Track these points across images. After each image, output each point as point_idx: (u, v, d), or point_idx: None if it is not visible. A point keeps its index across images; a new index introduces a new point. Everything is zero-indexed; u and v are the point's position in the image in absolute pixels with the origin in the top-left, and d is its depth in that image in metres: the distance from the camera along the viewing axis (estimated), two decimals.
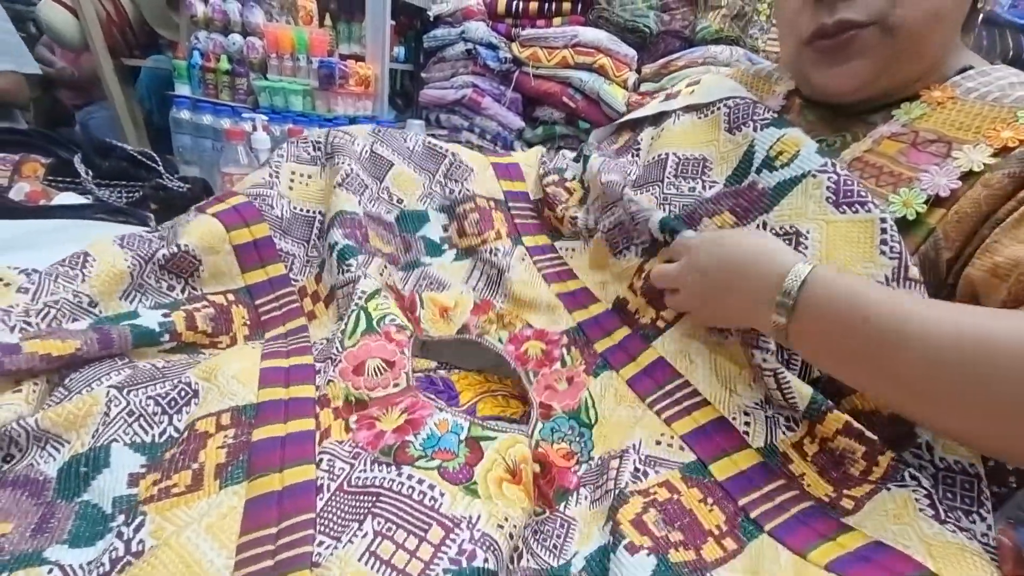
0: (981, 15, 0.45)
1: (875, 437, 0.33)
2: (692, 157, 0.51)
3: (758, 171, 0.45)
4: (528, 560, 0.33)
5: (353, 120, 1.02)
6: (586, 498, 0.37)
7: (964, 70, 0.42)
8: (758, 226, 0.42)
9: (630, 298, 0.48)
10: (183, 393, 0.38)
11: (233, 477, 0.33)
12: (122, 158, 0.80)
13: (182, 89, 0.99)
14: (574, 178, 0.60)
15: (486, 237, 0.55)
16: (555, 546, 0.34)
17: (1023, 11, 1.17)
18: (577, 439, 0.41)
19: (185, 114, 0.97)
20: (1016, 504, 0.34)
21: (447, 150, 0.60)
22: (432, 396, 0.43)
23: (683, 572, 0.30)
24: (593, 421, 0.42)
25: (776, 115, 0.47)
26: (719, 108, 0.51)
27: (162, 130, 1.82)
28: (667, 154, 0.52)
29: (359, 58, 1.17)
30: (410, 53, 1.43)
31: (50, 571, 0.29)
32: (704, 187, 0.49)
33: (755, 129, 0.47)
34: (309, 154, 0.57)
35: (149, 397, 0.37)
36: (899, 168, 0.39)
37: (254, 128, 0.85)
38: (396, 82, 1.46)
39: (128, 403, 0.37)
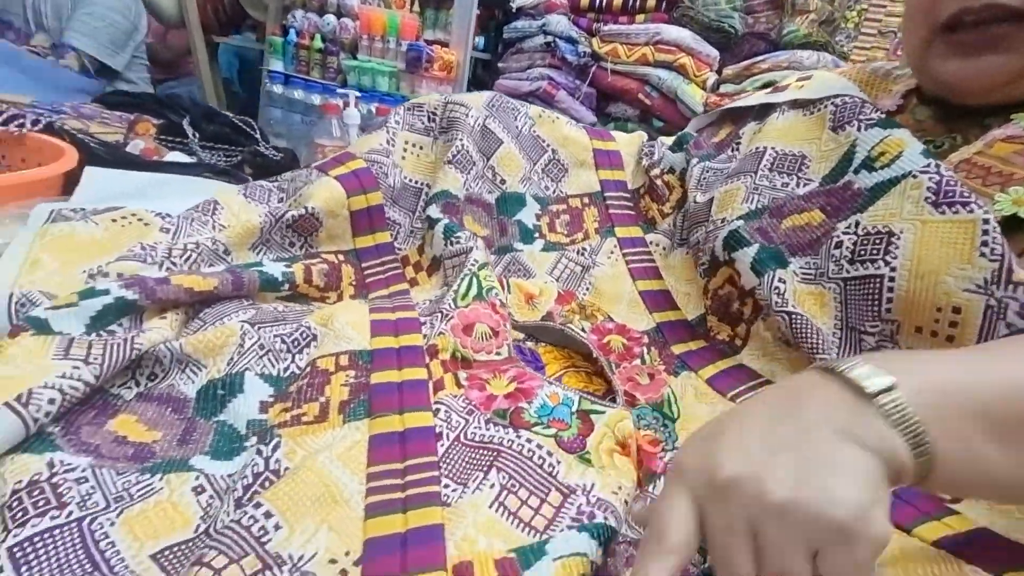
0: None
1: None
2: (791, 153, 0.50)
3: (856, 171, 0.44)
4: (626, 529, 0.33)
5: None
6: None
7: None
8: (849, 226, 0.40)
9: (712, 322, 0.49)
10: (304, 335, 0.41)
11: (355, 414, 0.35)
12: (224, 124, 0.85)
13: (275, 65, 1.04)
14: (671, 170, 0.60)
15: (575, 238, 0.57)
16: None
17: None
18: (661, 429, 0.41)
19: (278, 88, 1.02)
20: None
21: (548, 144, 0.61)
22: (525, 365, 0.44)
23: None
24: (676, 415, 0.42)
25: (884, 116, 0.45)
26: (826, 106, 0.50)
27: (244, 105, 1.93)
28: (765, 148, 0.52)
29: (444, 44, 1.20)
30: (489, 43, 1.45)
31: (196, 477, 0.31)
32: (799, 184, 0.48)
33: (859, 129, 0.45)
34: (423, 124, 0.59)
35: (275, 335, 0.40)
36: (1011, 168, 0.37)
37: (346, 104, 0.89)
38: (473, 71, 1.49)
39: (259, 337, 0.39)
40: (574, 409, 0.37)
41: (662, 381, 0.45)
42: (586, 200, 0.61)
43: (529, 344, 0.52)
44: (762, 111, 0.57)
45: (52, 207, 0.46)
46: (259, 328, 0.40)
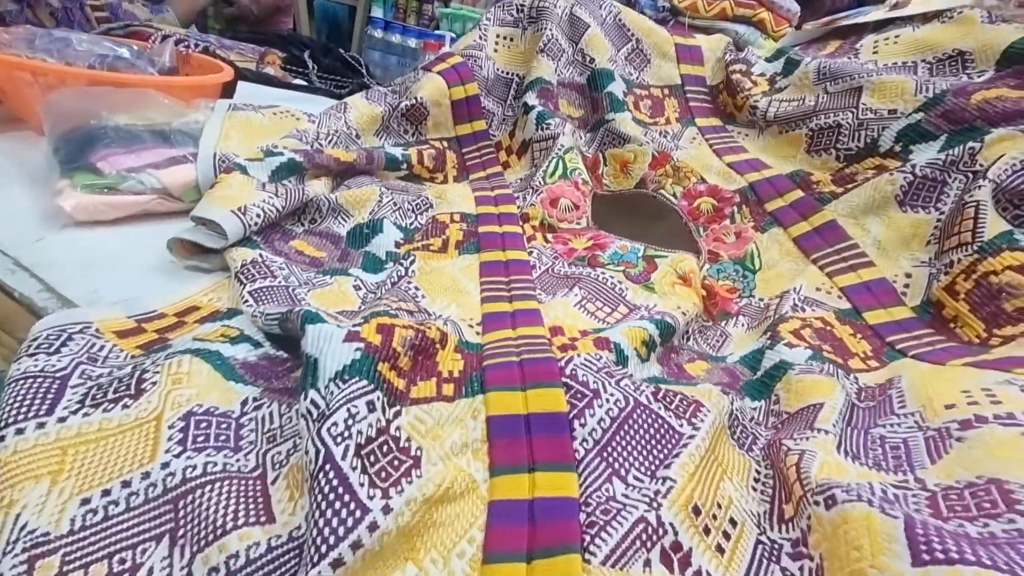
0: None
1: None
2: (946, 55, 0.51)
3: None
4: (694, 344, 0.41)
5: None
6: (743, 325, 0.43)
7: None
8: None
9: (817, 174, 0.50)
10: (424, 202, 0.51)
11: (468, 250, 0.45)
12: (337, 59, 0.97)
13: (376, 12, 1.15)
14: (763, 74, 0.63)
15: (657, 120, 0.61)
16: (714, 345, 0.41)
17: None
18: (741, 280, 0.46)
19: (378, 33, 1.13)
20: None
21: (633, 33, 0.65)
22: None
23: (834, 365, 0.35)
24: (757, 268, 0.47)
25: None
26: (968, 9, 0.51)
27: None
28: (915, 62, 0.53)
29: None
30: None
31: (355, 280, 0.42)
32: (971, 77, 0.48)
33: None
34: (512, 16, 0.65)
35: (404, 199, 0.51)
36: None
37: (441, 45, 0.98)
38: None
39: (392, 198, 0.50)
40: (641, 254, 0.45)
41: (747, 238, 0.49)
42: (667, 91, 0.64)
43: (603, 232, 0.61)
44: (880, 25, 0.58)
45: (229, 102, 0.59)
46: (392, 193, 0.51)
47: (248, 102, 0.64)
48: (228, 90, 0.71)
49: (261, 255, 0.41)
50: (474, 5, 1.10)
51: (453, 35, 1.05)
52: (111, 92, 0.53)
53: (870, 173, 0.49)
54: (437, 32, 1.06)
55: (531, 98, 0.58)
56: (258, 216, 0.42)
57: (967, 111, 0.45)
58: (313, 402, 0.23)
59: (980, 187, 0.40)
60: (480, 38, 0.64)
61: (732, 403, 0.31)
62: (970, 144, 0.43)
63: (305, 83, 0.90)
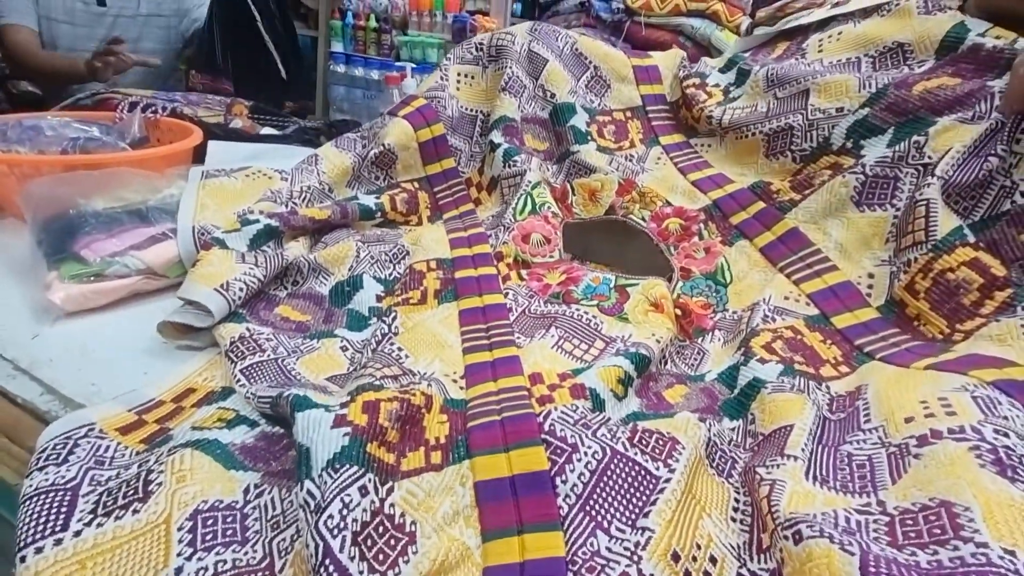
0: None
1: (1002, 274, 0.36)
2: (887, 48, 0.53)
3: (981, 35, 0.47)
4: (671, 367, 0.43)
5: None
6: (719, 339, 0.45)
7: None
8: (982, 88, 0.43)
9: (776, 183, 0.52)
10: (400, 250, 0.53)
11: (446, 298, 0.46)
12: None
13: (336, 47, 1.17)
14: (717, 85, 0.64)
15: (622, 145, 0.63)
16: (692, 364, 0.43)
17: None
18: (713, 294, 0.48)
19: (340, 68, 1.14)
20: None
21: (590, 61, 0.67)
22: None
23: (805, 377, 0.36)
24: (728, 281, 0.49)
25: None
26: (904, 2, 0.53)
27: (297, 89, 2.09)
28: (858, 57, 0.54)
29: (484, 13, 1.29)
30: (526, 8, 1.52)
31: (341, 341, 0.44)
32: (912, 68, 0.50)
33: (961, 12, 0.49)
34: (472, 54, 0.66)
35: (380, 251, 0.52)
36: None
37: (403, 76, 1.00)
38: None
39: (369, 252, 0.52)
40: (612, 285, 0.47)
41: (717, 253, 0.50)
42: (628, 114, 0.65)
43: (576, 263, 0.63)
44: (823, 24, 0.60)
45: (202, 169, 0.60)
46: (368, 245, 0.52)
47: (220, 164, 0.66)
48: (200, 151, 0.73)
49: (248, 329, 0.42)
50: (431, 31, 1.11)
51: (413, 64, 1.07)
52: (85, 177, 0.54)
53: (826, 174, 0.50)
54: (398, 63, 1.07)
55: (497, 136, 0.60)
56: (241, 290, 0.44)
57: (910, 102, 0.47)
58: (309, 492, 0.25)
59: (929, 184, 0.42)
60: (442, 78, 0.65)
61: (710, 429, 0.33)
62: (915, 138, 0.45)
63: (275, 131, 0.92)
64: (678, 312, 0.47)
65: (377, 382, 0.33)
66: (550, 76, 0.64)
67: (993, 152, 0.41)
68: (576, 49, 0.67)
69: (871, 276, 0.44)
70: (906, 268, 0.41)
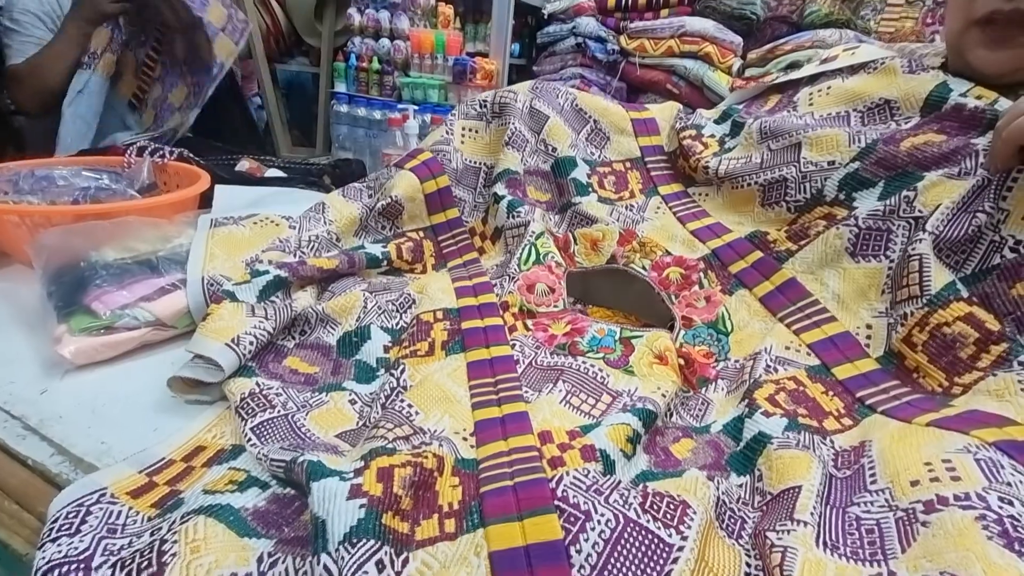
0: None
1: (996, 328, 0.37)
2: (874, 103, 0.55)
3: (963, 95, 0.49)
4: (677, 419, 0.44)
5: None
6: (723, 389, 0.45)
7: None
8: (967, 145, 0.45)
9: (772, 233, 0.54)
10: (407, 299, 0.54)
11: (454, 349, 0.47)
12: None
13: (340, 87, 1.19)
14: (712, 136, 0.66)
15: (622, 196, 0.64)
16: (697, 415, 0.43)
17: None
18: (715, 343, 0.49)
19: (343, 108, 1.17)
20: None
21: (590, 115, 0.69)
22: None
23: (809, 431, 0.37)
24: (730, 330, 0.50)
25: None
26: (893, 59, 0.56)
27: (300, 121, 2.13)
28: (847, 111, 0.57)
29: (483, 55, 1.33)
30: (523, 48, 1.57)
31: (350, 394, 0.44)
32: (899, 124, 0.52)
33: (943, 73, 0.51)
34: (476, 111, 0.69)
35: (387, 300, 0.53)
36: None
37: (405, 117, 1.02)
38: (510, 76, 1.61)
39: (376, 301, 0.52)
40: (617, 337, 0.48)
41: (717, 302, 0.51)
42: (628, 164, 0.67)
43: (578, 306, 0.64)
44: (814, 79, 0.62)
45: (209, 217, 0.61)
46: (375, 295, 0.53)
47: (226, 208, 0.67)
48: (207, 195, 0.74)
49: (258, 384, 0.42)
50: (432, 73, 1.15)
51: (415, 106, 1.10)
52: (96, 227, 0.55)
53: (821, 224, 0.52)
54: (400, 105, 1.10)
55: (500, 188, 0.62)
56: (251, 344, 0.45)
57: (899, 157, 0.49)
58: (326, 568, 0.25)
59: (921, 240, 0.43)
60: (447, 132, 0.68)
61: (718, 487, 0.33)
62: (905, 193, 0.47)
63: (281, 172, 0.94)
64: (681, 362, 0.48)
65: (390, 445, 0.33)
66: (551, 131, 0.66)
67: (981, 208, 0.43)
68: (576, 104, 0.70)
69: (869, 327, 0.45)
70: (903, 321, 0.42)
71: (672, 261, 0.55)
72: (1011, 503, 0.26)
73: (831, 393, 0.42)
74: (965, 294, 0.40)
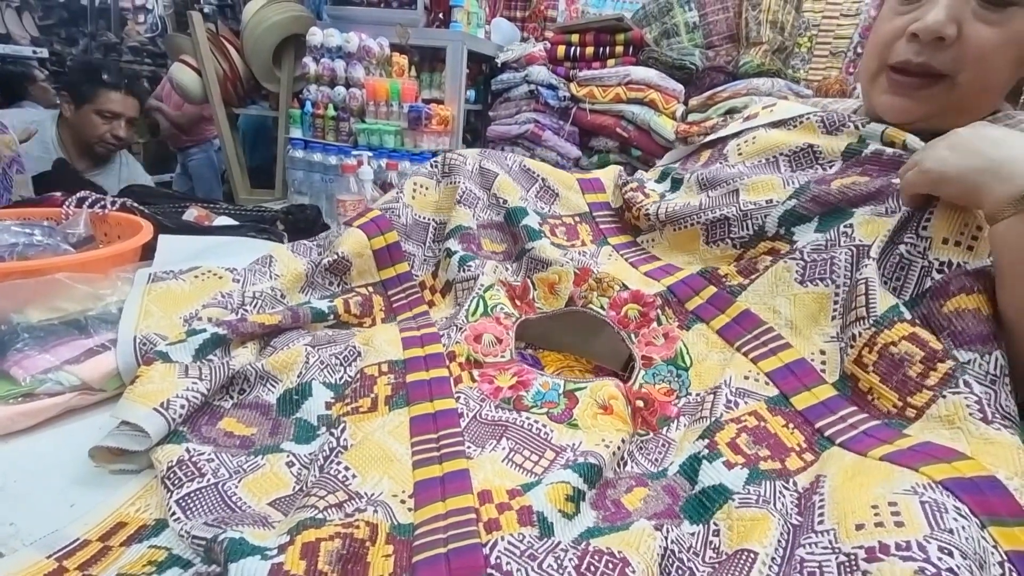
0: None
1: (939, 347, 0.38)
2: (800, 148, 0.59)
3: (881, 144, 0.53)
4: (632, 467, 0.43)
5: (435, 154, 1.19)
6: (685, 425, 0.45)
7: (995, 113, 0.54)
8: (889, 185, 0.48)
9: (723, 268, 0.56)
10: (352, 352, 0.53)
11: (397, 404, 0.46)
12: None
13: (295, 133, 1.20)
14: (654, 190, 0.69)
15: (574, 243, 0.66)
16: (656, 459, 0.43)
17: None
18: (675, 379, 0.49)
19: (299, 153, 1.17)
20: None
21: (538, 175, 0.72)
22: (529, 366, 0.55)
23: (771, 476, 0.37)
24: (689, 364, 0.50)
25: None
26: (807, 119, 0.60)
27: (265, 164, 2.12)
28: (775, 156, 0.60)
29: (439, 101, 1.36)
30: (479, 95, 1.62)
31: (287, 456, 0.43)
32: (824, 168, 0.56)
33: (857, 127, 0.56)
34: (427, 170, 0.71)
35: (330, 354, 0.52)
36: None
37: (360, 163, 1.03)
38: (467, 121, 1.65)
39: (319, 356, 0.51)
40: (561, 391, 0.48)
41: (675, 338, 0.52)
42: (577, 218, 0.70)
43: (530, 351, 0.64)
44: (737, 134, 0.67)
45: (148, 271, 0.59)
46: (318, 349, 0.52)
47: (169, 259, 0.65)
48: (151, 246, 0.72)
49: (188, 450, 0.41)
50: (387, 119, 1.16)
51: (371, 152, 1.11)
52: (19, 287, 0.53)
53: (767, 259, 0.54)
54: (355, 151, 1.11)
55: (453, 244, 0.63)
56: (182, 407, 0.43)
57: (831, 195, 0.52)
58: None
59: (867, 265, 0.45)
60: (398, 191, 0.69)
61: (667, 536, 0.33)
62: (842, 228, 0.50)
63: (231, 220, 0.92)
64: (640, 403, 0.48)
65: (320, 515, 0.32)
66: (501, 186, 0.68)
67: (903, 240, 0.46)
68: (524, 166, 0.73)
69: (823, 353, 0.46)
70: (852, 343, 0.44)
71: (629, 296, 0.56)
72: (951, 554, 0.26)
73: (791, 426, 0.42)
74: (908, 316, 0.42)
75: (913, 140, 0.51)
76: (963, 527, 0.28)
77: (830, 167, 0.57)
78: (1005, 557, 0.27)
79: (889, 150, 0.53)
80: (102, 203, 0.78)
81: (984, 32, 0.48)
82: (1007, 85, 0.53)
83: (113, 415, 0.42)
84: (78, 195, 0.79)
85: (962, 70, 0.49)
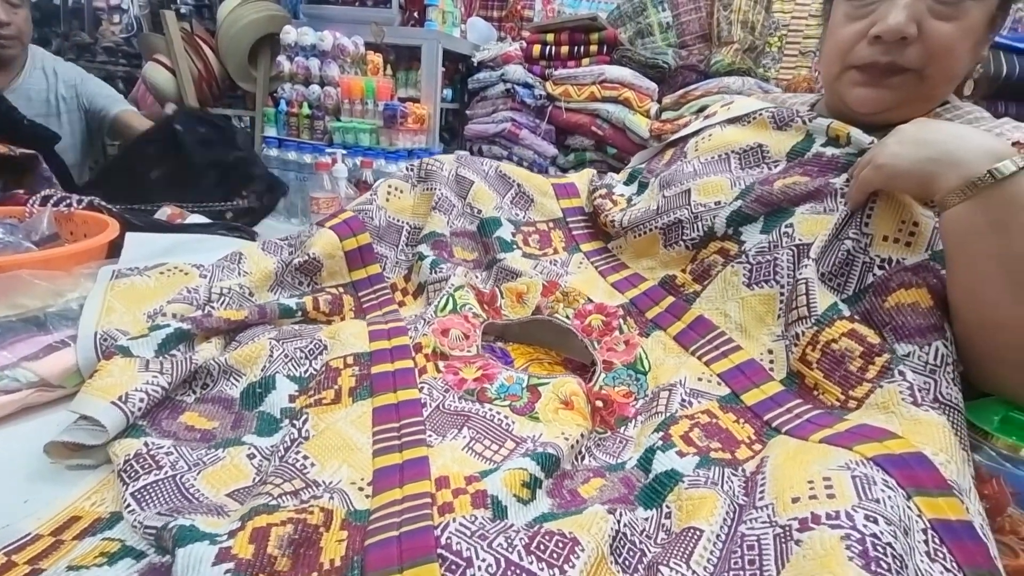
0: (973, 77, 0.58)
1: (876, 341, 0.41)
2: (749, 146, 0.61)
3: (823, 146, 0.55)
4: (590, 461, 0.44)
5: (410, 152, 1.19)
6: (641, 422, 0.47)
7: (944, 103, 0.57)
8: (827, 185, 0.51)
9: (679, 276, 0.58)
10: (317, 346, 0.53)
11: (361, 395, 0.46)
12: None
13: (270, 131, 1.19)
14: (622, 195, 0.71)
15: (546, 252, 0.68)
16: (613, 454, 0.44)
17: (1021, 34, 1.26)
18: (634, 383, 0.51)
19: (273, 151, 1.16)
20: (988, 458, 0.39)
21: (513, 180, 0.73)
22: (496, 359, 0.56)
23: (721, 464, 0.39)
24: (647, 369, 0.52)
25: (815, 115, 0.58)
26: (760, 115, 0.62)
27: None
28: (727, 153, 0.63)
29: (415, 100, 1.36)
30: (456, 93, 1.62)
31: (249, 448, 0.43)
32: (770, 167, 0.58)
33: (805, 122, 0.58)
34: (403, 173, 0.71)
35: (296, 347, 0.52)
36: None
37: (334, 161, 1.03)
38: (444, 119, 1.65)
39: (283, 349, 0.51)
40: (525, 385, 0.49)
41: (635, 344, 0.54)
42: (551, 224, 0.71)
43: (500, 344, 0.64)
44: (698, 132, 0.69)
45: (112, 268, 0.59)
46: (283, 343, 0.52)
47: (136, 258, 0.64)
48: (116, 244, 0.71)
49: (147, 444, 0.40)
50: (363, 117, 1.16)
51: (345, 150, 1.11)
52: None
53: (718, 260, 0.56)
54: (329, 149, 1.11)
55: (425, 249, 0.64)
56: (141, 401, 0.43)
57: (773, 195, 0.54)
58: None
59: (806, 266, 0.47)
60: (372, 193, 0.69)
61: (619, 520, 0.34)
62: (784, 228, 0.52)
63: (204, 218, 0.91)
64: (599, 403, 0.49)
65: (274, 501, 0.32)
66: (476, 195, 0.69)
67: (848, 236, 0.48)
68: (500, 171, 0.74)
69: (771, 352, 0.49)
70: (796, 341, 0.46)
71: (593, 308, 0.58)
72: (875, 521, 0.28)
73: (742, 420, 0.44)
74: (847, 313, 0.44)
75: (857, 133, 0.53)
76: (889, 497, 0.29)
77: (775, 167, 0.59)
78: (928, 524, 0.29)
79: (829, 151, 0.55)
80: (67, 201, 0.77)
81: (943, 28, 0.50)
82: (966, 72, 0.55)
83: (70, 409, 0.42)
84: (42, 193, 0.78)
85: (928, 64, 0.52)
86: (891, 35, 0.51)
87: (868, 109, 0.55)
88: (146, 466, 0.38)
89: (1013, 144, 0.52)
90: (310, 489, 0.36)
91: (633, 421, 0.48)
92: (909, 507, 0.29)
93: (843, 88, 0.57)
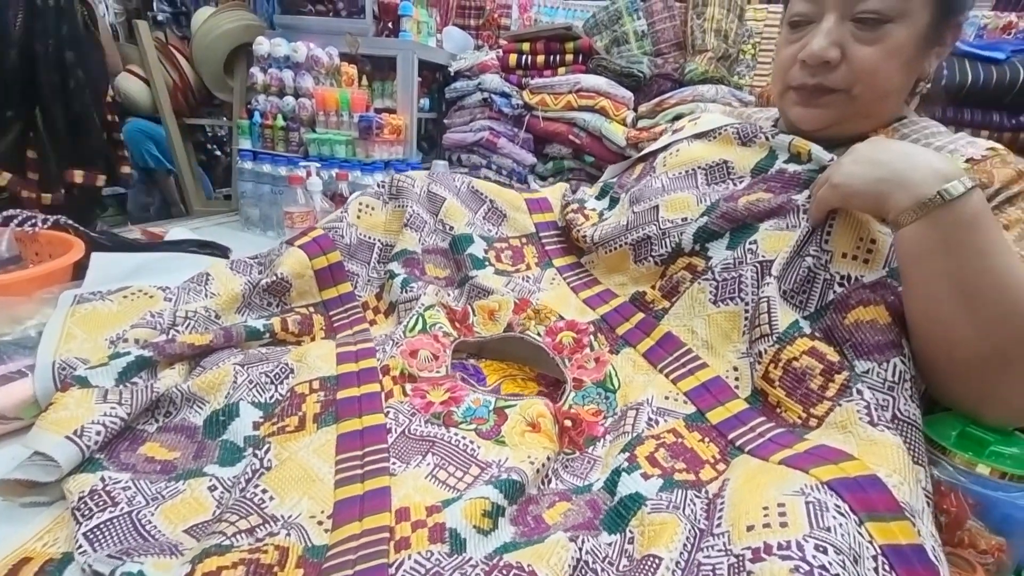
0: (919, 92, 0.60)
1: (836, 359, 0.41)
2: (715, 163, 0.62)
3: (786, 162, 0.56)
4: (557, 484, 0.44)
5: (387, 163, 1.18)
6: (610, 442, 0.47)
7: (900, 119, 0.58)
8: (790, 201, 0.51)
9: (649, 292, 0.59)
10: (283, 370, 0.52)
11: (326, 421, 0.46)
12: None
13: (244, 144, 1.17)
14: (594, 209, 0.72)
15: (519, 268, 0.67)
16: (580, 475, 0.44)
17: (987, 43, 1.29)
18: (603, 401, 0.51)
19: (248, 164, 1.15)
20: (946, 473, 0.40)
21: (486, 196, 0.73)
22: (466, 378, 0.56)
23: (685, 486, 0.39)
24: (617, 387, 0.52)
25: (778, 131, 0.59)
26: (725, 130, 0.63)
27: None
28: (694, 169, 0.63)
29: (391, 111, 1.36)
30: (433, 103, 1.62)
31: (210, 479, 0.42)
32: (734, 183, 0.59)
33: (768, 139, 0.59)
34: (375, 190, 0.71)
35: (261, 372, 0.51)
36: None
37: (308, 174, 1.02)
38: (422, 129, 1.65)
39: (248, 375, 0.51)
40: (492, 408, 0.48)
41: (605, 361, 0.54)
42: (524, 240, 0.71)
43: (472, 361, 0.64)
44: (666, 147, 0.70)
45: (74, 292, 0.58)
46: (248, 367, 0.51)
47: (102, 281, 0.63)
48: (79, 266, 0.70)
49: (103, 479, 0.40)
50: (338, 129, 1.16)
51: (321, 162, 1.10)
52: None
53: (687, 276, 0.56)
54: (303, 162, 1.10)
55: (396, 267, 0.63)
56: (98, 434, 0.42)
57: (738, 212, 0.55)
58: None
59: (768, 284, 0.48)
60: (343, 211, 0.69)
61: (581, 548, 0.34)
62: (748, 245, 0.52)
63: (189, 233, 0.90)
64: (568, 423, 0.49)
65: (227, 541, 0.32)
66: (448, 211, 0.69)
67: (808, 252, 0.48)
68: (472, 187, 0.73)
69: (736, 369, 0.49)
70: (759, 359, 0.46)
71: (564, 325, 0.58)
72: (825, 551, 0.28)
73: (707, 440, 0.44)
74: (808, 331, 0.45)
75: (817, 150, 0.54)
76: (840, 524, 0.29)
77: (740, 183, 0.60)
78: (879, 551, 0.29)
79: (791, 168, 0.56)
80: (32, 221, 0.76)
81: (866, 52, 0.52)
82: (904, 88, 0.57)
83: (24, 445, 0.41)
84: (4, 213, 0.76)
85: (855, 84, 0.54)
86: (813, 59, 0.54)
87: (808, 127, 0.58)
88: (101, 503, 0.38)
89: (967, 160, 0.53)
90: (267, 525, 0.35)
91: (602, 440, 0.48)
92: (860, 533, 0.30)
93: (786, 107, 0.60)
